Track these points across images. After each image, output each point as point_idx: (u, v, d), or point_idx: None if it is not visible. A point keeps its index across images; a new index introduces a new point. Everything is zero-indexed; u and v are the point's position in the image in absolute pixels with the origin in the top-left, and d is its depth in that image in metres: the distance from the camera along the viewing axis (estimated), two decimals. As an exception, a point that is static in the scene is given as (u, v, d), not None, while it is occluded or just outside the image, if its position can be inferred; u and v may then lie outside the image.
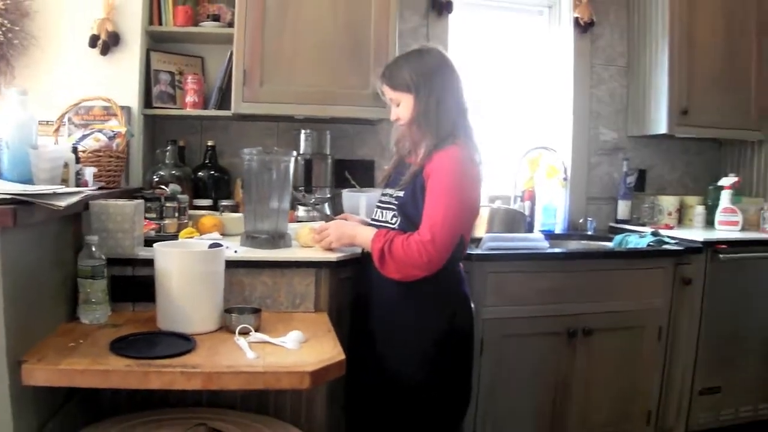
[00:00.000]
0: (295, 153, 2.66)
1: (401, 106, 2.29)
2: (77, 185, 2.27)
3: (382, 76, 2.34)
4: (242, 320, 2.02)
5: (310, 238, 2.54)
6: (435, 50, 2.32)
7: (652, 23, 3.92)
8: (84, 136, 2.64)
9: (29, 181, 2.04)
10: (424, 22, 3.76)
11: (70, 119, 2.83)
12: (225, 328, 2.06)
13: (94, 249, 2.04)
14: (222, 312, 2.10)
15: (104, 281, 2.07)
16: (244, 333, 1.97)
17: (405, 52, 2.41)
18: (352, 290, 2.50)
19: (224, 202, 3.15)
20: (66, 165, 2.19)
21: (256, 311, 2.12)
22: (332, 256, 2.41)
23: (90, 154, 2.56)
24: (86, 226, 2.21)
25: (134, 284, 2.25)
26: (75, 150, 2.43)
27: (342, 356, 1.87)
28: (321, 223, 2.63)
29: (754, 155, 4.15)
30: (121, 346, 1.81)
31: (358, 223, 2.53)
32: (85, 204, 2.16)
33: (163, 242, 2.18)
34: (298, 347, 1.92)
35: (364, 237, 2.29)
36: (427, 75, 2.23)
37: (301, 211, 3.25)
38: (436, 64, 2.26)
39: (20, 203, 1.65)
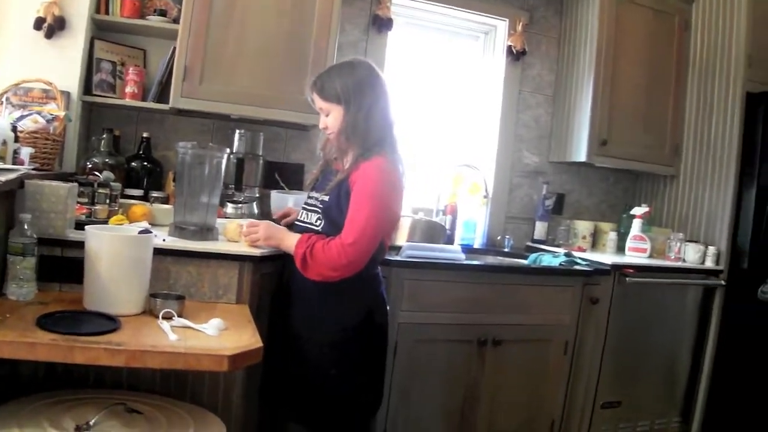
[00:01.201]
0: (228, 151, 2.71)
1: (330, 117, 2.35)
2: (14, 163, 2.29)
3: (313, 85, 2.38)
4: (166, 305, 2.07)
5: (237, 234, 2.59)
6: (366, 63, 2.39)
7: (580, 58, 4.11)
8: (22, 117, 2.65)
9: (-36, 155, 2.06)
10: (364, 37, 3.85)
11: (8, 99, 2.82)
12: (149, 311, 2.09)
13: (26, 227, 2.05)
14: (147, 296, 2.14)
15: (34, 259, 2.08)
16: (168, 317, 2.02)
17: (337, 63, 2.48)
18: (276, 282, 2.56)
19: (155, 193, 3.19)
20: (4, 143, 2.22)
21: (180, 298, 2.17)
22: (256, 252, 2.46)
23: (27, 135, 2.57)
24: (19, 204, 2.21)
25: (62, 265, 2.27)
26: (14, 129, 2.45)
27: (260, 344, 1.93)
28: (250, 220, 2.67)
29: (666, 188, 4.36)
30: (47, 322, 1.83)
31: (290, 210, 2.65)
32: (20, 182, 2.17)
33: (94, 225, 2.22)
34: (219, 334, 1.97)
35: (289, 242, 2.36)
36: (357, 88, 2.29)
37: (229, 208, 3.28)
38: (366, 78, 2.33)
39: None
